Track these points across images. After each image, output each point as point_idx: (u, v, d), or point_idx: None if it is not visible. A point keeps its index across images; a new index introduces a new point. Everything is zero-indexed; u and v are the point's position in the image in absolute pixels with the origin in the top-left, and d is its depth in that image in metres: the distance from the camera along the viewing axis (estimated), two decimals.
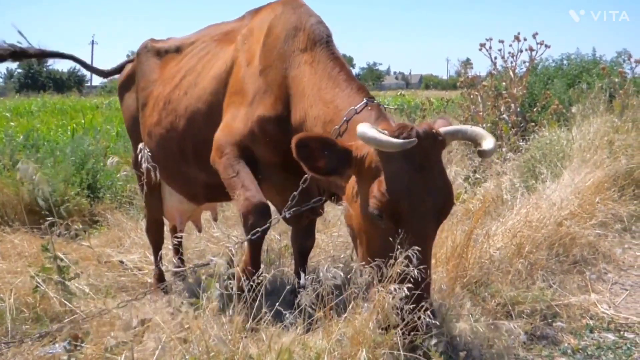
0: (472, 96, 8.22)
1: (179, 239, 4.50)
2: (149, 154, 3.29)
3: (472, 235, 3.58)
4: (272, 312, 2.59)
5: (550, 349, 3.07)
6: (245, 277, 2.96)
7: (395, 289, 2.37)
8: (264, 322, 2.55)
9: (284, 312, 2.60)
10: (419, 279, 2.35)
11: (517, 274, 3.63)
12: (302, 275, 3.20)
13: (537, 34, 8.16)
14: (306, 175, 2.93)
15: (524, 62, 8.60)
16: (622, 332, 3.29)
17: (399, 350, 2.39)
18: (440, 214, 2.59)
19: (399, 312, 2.37)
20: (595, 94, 7.32)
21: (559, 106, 8.01)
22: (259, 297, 2.57)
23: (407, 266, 2.34)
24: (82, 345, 2.74)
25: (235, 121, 3.34)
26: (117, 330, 3.01)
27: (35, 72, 74.07)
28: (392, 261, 2.40)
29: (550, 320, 3.35)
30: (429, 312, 2.37)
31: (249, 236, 3.09)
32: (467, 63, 10.65)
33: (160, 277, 4.62)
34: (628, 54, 9.94)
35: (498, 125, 7.90)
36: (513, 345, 3.00)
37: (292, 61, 3.24)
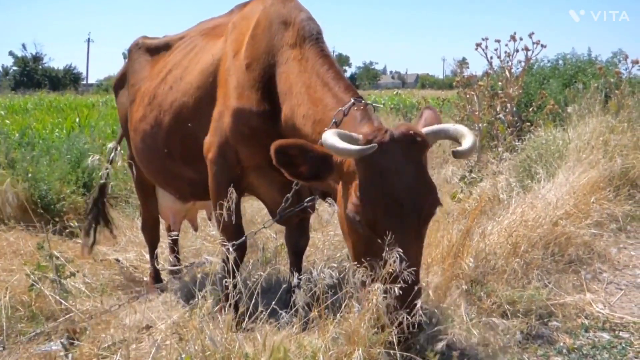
0: (468, 96, 8.23)
1: (174, 238, 4.51)
2: (134, 150, 3.26)
3: (468, 235, 3.59)
4: (268, 311, 2.59)
5: (546, 349, 3.08)
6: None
7: (386, 290, 2.37)
8: (260, 320, 2.55)
9: (280, 311, 2.60)
10: (406, 282, 2.31)
11: (512, 273, 3.64)
12: (297, 275, 3.21)
13: (533, 33, 8.17)
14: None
15: (520, 62, 8.61)
16: (617, 332, 3.30)
17: (394, 349, 2.40)
18: (422, 215, 2.53)
19: (389, 314, 2.37)
20: (591, 94, 7.34)
21: (555, 106, 8.02)
22: (254, 296, 2.56)
23: (393, 270, 2.32)
24: (79, 342, 2.73)
25: (222, 118, 3.31)
26: (113, 329, 3.02)
27: (31, 69, 73.89)
28: (377, 264, 2.39)
29: (545, 320, 3.36)
30: (420, 314, 2.34)
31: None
32: (463, 62, 10.70)
33: (156, 275, 4.62)
34: (624, 54, 9.94)
35: (494, 125, 7.91)
36: (508, 345, 3.01)
37: (280, 57, 3.19)
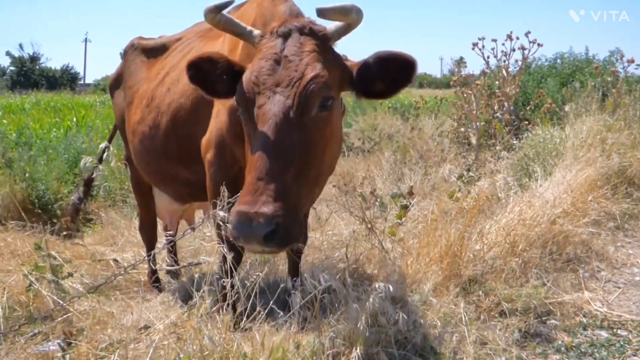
0: (465, 95, 8.23)
1: (172, 238, 4.50)
2: (132, 151, 3.23)
3: (465, 234, 3.59)
4: (266, 310, 2.59)
5: (544, 347, 3.08)
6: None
7: (380, 287, 2.37)
8: (258, 320, 2.55)
9: (278, 311, 2.60)
10: (258, 172, 2.16)
11: (511, 272, 3.65)
12: (296, 275, 3.22)
13: (529, 32, 8.18)
14: None
15: (517, 61, 8.62)
16: (615, 330, 3.31)
17: (392, 348, 2.40)
18: (294, 99, 2.30)
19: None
20: (588, 92, 7.34)
21: (552, 105, 8.03)
22: (252, 296, 2.56)
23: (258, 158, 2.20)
24: (76, 343, 2.73)
25: (218, 116, 3.30)
26: (111, 329, 3.02)
27: (28, 69, 73.71)
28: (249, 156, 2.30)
29: (544, 318, 3.36)
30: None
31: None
32: (460, 62, 10.69)
33: (153, 275, 4.62)
34: (620, 53, 9.97)
35: (492, 123, 7.91)
36: (507, 343, 3.01)
37: None
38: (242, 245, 2.15)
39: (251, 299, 2.55)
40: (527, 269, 3.80)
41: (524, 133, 7.28)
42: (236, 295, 2.54)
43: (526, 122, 8.10)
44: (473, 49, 8.48)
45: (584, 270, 4.14)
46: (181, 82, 3.71)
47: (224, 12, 3.84)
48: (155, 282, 4.55)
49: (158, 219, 4.88)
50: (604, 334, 3.25)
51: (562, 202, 4.60)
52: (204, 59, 2.61)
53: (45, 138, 9.79)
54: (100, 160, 4.92)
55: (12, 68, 75.31)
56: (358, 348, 2.40)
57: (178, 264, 4.72)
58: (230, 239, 2.16)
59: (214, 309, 2.67)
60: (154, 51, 4.44)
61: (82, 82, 77.96)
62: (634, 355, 3.00)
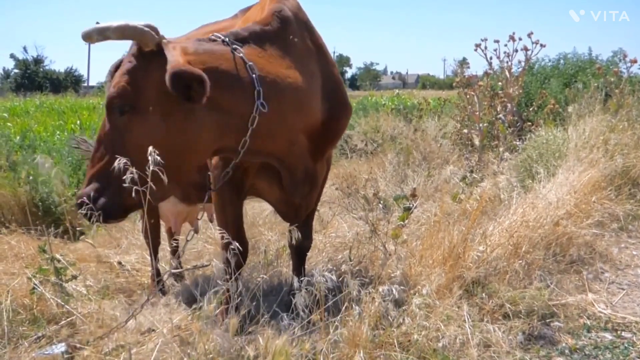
0: (468, 96, 8.23)
1: (176, 241, 4.50)
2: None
3: (469, 236, 3.59)
4: (270, 313, 2.59)
5: (548, 349, 3.08)
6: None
7: (385, 290, 2.37)
8: (261, 323, 2.55)
9: (281, 313, 2.60)
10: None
11: (514, 274, 3.64)
12: (301, 276, 3.21)
13: (532, 33, 8.17)
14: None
15: (520, 62, 8.61)
16: (619, 332, 3.30)
17: (395, 350, 2.40)
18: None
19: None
20: (591, 93, 7.34)
21: (556, 106, 8.02)
22: (256, 299, 2.57)
23: None
24: (81, 345, 2.73)
25: None
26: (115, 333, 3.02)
27: (32, 72, 73.88)
28: None
29: (547, 320, 3.36)
30: None
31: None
32: (463, 63, 10.69)
33: (157, 278, 4.61)
34: (623, 54, 9.95)
35: (494, 125, 7.91)
36: (511, 346, 3.01)
37: None
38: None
39: (254, 302, 2.56)
40: (531, 271, 3.79)
41: (527, 134, 7.28)
42: (239, 298, 2.55)
43: (529, 123, 8.10)
44: (476, 50, 8.48)
45: (587, 271, 4.13)
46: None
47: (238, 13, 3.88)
48: (158, 284, 4.55)
49: (161, 222, 4.88)
50: (608, 336, 3.24)
51: (566, 203, 4.59)
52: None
53: (49, 141, 9.82)
54: None
55: (16, 70, 75.51)
56: (361, 351, 2.40)
57: (181, 267, 4.73)
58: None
59: (217, 311, 2.68)
60: None
61: (85, 84, 78.06)
62: (638, 358, 2.99)
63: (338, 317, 2.52)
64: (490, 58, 8.54)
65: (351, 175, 7.82)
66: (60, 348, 2.97)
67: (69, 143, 5.49)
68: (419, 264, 3.58)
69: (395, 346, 2.44)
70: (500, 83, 8.62)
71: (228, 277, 2.71)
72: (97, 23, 2.61)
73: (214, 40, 2.80)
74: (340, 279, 2.50)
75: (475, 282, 3.50)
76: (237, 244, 2.80)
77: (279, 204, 3.54)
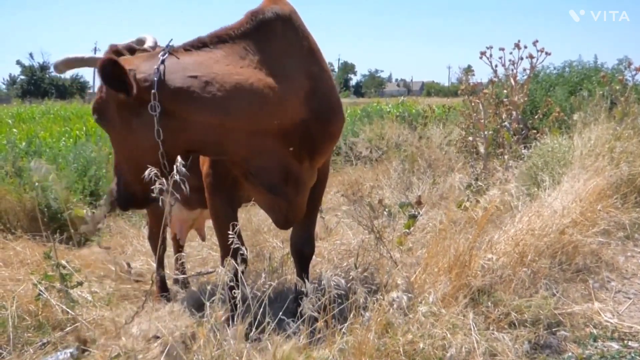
0: (473, 103, 8.21)
1: (181, 248, 4.51)
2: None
3: (475, 244, 3.58)
4: (275, 321, 2.59)
5: (554, 358, 3.06)
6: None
7: (393, 296, 2.36)
8: (267, 331, 2.55)
9: (287, 320, 2.60)
10: None
11: (520, 282, 3.62)
12: (303, 283, 3.20)
13: (537, 41, 8.16)
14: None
15: (525, 70, 8.61)
16: (625, 341, 3.28)
17: (400, 359, 2.39)
18: None
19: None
20: (597, 101, 7.32)
21: (561, 113, 8.01)
22: (262, 306, 2.56)
23: None
24: (89, 350, 2.74)
25: None
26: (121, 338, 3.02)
27: (38, 78, 74.27)
28: None
29: (553, 329, 3.34)
30: None
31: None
32: (468, 70, 10.70)
33: (162, 285, 4.62)
34: (628, 61, 9.94)
35: (500, 132, 7.90)
36: (517, 355, 2.99)
37: None
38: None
39: (261, 309, 2.55)
40: (537, 279, 3.78)
41: (532, 142, 7.26)
42: (245, 306, 2.55)
43: (534, 131, 8.08)
44: (481, 57, 8.47)
45: (593, 280, 4.11)
46: None
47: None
48: (163, 291, 4.55)
49: (167, 228, 4.89)
50: (615, 345, 3.22)
51: (571, 211, 4.57)
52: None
53: (54, 147, 9.85)
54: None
55: (22, 77, 75.92)
56: (368, 359, 2.39)
57: (186, 274, 4.73)
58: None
59: (223, 318, 2.67)
60: None
61: (91, 90, 78.40)
62: None
63: (345, 325, 2.51)
64: (496, 66, 8.53)
65: (356, 182, 7.83)
66: (64, 354, 2.97)
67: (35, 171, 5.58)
68: (424, 271, 3.57)
69: (401, 354, 2.43)
70: (505, 91, 8.60)
71: (232, 284, 2.71)
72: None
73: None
74: (348, 286, 2.50)
75: (481, 290, 3.48)
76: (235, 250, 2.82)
77: (268, 210, 3.55)
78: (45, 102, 42.39)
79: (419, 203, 5.03)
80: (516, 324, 3.27)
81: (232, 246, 2.86)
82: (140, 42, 3.30)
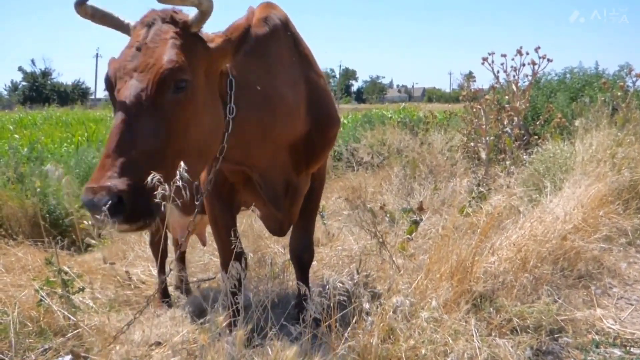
0: (474, 109, 8.23)
1: (183, 253, 4.51)
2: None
3: (477, 250, 3.57)
4: (278, 326, 2.59)
5: None
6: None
7: (398, 301, 2.36)
8: (269, 337, 2.54)
9: (289, 326, 2.60)
10: (107, 150, 2.23)
11: (522, 288, 3.62)
12: (304, 288, 3.20)
13: (539, 47, 8.19)
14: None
15: (527, 76, 8.62)
16: (628, 348, 3.27)
17: None
18: (148, 83, 2.36)
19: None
20: (598, 107, 7.32)
21: (562, 119, 8.02)
22: (263, 312, 2.56)
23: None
24: (89, 356, 2.73)
25: None
26: (119, 345, 3.02)
27: (40, 85, 74.46)
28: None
29: (555, 335, 3.33)
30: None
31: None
32: (469, 76, 10.73)
33: (164, 290, 4.62)
34: (629, 68, 9.94)
35: (501, 138, 7.91)
36: None
37: None
38: (95, 223, 2.22)
39: (263, 315, 2.55)
40: (539, 286, 3.77)
41: (534, 148, 7.27)
42: (246, 311, 2.55)
43: (536, 137, 8.08)
44: (483, 63, 8.49)
45: (595, 286, 4.10)
46: None
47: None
48: (164, 297, 4.55)
49: (169, 234, 4.89)
50: (617, 351, 3.21)
51: (573, 217, 4.57)
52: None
53: (56, 153, 9.87)
54: None
55: (24, 83, 76.13)
56: None
57: (187, 280, 4.73)
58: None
59: (225, 324, 2.67)
60: None
61: (92, 96, 78.63)
62: None
63: (348, 330, 2.51)
64: (497, 72, 8.55)
65: (357, 188, 7.83)
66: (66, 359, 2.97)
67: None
68: (426, 277, 3.57)
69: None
70: (507, 97, 8.61)
71: (233, 289, 2.71)
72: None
73: None
74: (352, 290, 2.49)
75: (483, 296, 3.48)
76: (234, 256, 2.82)
77: (264, 218, 3.55)
78: (46, 108, 42.50)
79: (420, 209, 5.04)
80: (518, 330, 3.26)
81: (232, 251, 2.87)
82: None
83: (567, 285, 3.99)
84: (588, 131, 6.79)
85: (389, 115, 18.46)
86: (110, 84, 2.44)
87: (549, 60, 8.22)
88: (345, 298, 2.42)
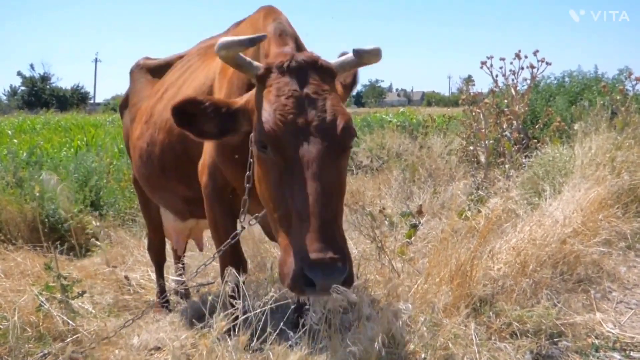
0: (474, 113, 8.23)
1: (182, 259, 4.50)
2: (134, 167, 3.22)
3: (476, 253, 3.57)
4: (277, 331, 2.58)
5: None
6: None
7: (401, 306, 2.36)
8: (269, 341, 2.54)
9: (289, 331, 2.59)
10: (320, 218, 2.14)
11: (521, 292, 3.62)
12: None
13: (537, 51, 8.19)
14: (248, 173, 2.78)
15: (526, 80, 8.63)
16: (627, 352, 3.27)
17: None
18: (333, 140, 2.32)
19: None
20: (597, 111, 7.33)
21: (562, 123, 8.02)
22: (263, 317, 2.56)
23: (298, 213, 2.17)
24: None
25: None
26: (119, 350, 3.02)
27: (39, 89, 74.41)
28: (288, 200, 2.22)
29: (555, 340, 3.33)
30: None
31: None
32: (469, 80, 10.70)
33: (163, 295, 4.61)
34: (629, 72, 9.95)
35: (500, 142, 7.91)
36: None
37: None
38: (309, 295, 2.17)
39: (262, 320, 2.55)
40: (538, 290, 3.77)
41: (533, 151, 7.27)
42: (247, 316, 2.54)
43: (535, 141, 8.09)
44: (482, 67, 8.49)
45: (595, 290, 4.10)
46: (177, 98, 3.72)
47: (230, 27, 3.87)
48: (164, 302, 4.54)
49: (167, 238, 4.89)
50: (617, 356, 3.21)
51: (572, 221, 4.56)
52: (187, 102, 2.60)
53: (55, 157, 9.87)
54: None
55: (23, 88, 76.08)
56: None
57: (187, 284, 4.72)
58: (295, 292, 2.15)
59: (224, 329, 2.67)
60: (159, 70, 4.54)
61: (92, 101, 78.64)
62: None
63: (349, 334, 2.51)
64: (496, 76, 8.55)
65: (357, 191, 7.82)
66: None
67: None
68: (425, 281, 3.56)
69: None
70: (506, 100, 8.61)
71: (233, 294, 2.71)
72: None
73: None
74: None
75: (483, 300, 3.48)
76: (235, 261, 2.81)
77: (264, 224, 3.55)
78: (44, 112, 42.50)
79: (420, 212, 5.02)
80: (518, 334, 3.26)
81: (232, 256, 2.87)
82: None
83: (566, 289, 3.99)
84: (587, 135, 6.79)
85: (389, 119, 18.47)
86: (271, 138, 2.31)
87: (547, 63, 8.23)
88: (345, 303, 2.41)
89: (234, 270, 2.67)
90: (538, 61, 8.22)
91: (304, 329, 2.47)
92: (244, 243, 5.11)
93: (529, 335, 3.27)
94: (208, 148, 3.30)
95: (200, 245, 5.07)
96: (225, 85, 3.24)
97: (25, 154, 9.21)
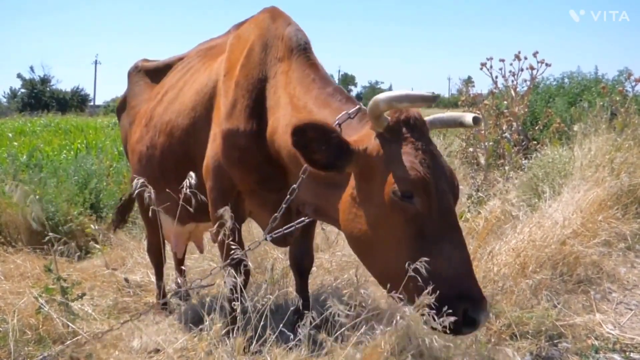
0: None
1: (182, 263, 4.49)
2: (133, 171, 3.23)
3: (476, 255, 3.57)
4: (276, 333, 2.58)
5: None
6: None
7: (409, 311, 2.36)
8: (268, 343, 2.54)
9: (288, 333, 2.59)
10: (462, 271, 2.31)
11: (521, 294, 3.62)
12: (305, 297, 3.19)
13: (537, 52, 8.20)
14: (289, 196, 2.82)
15: (525, 81, 8.64)
16: (627, 353, 3.27)
17: None
18: (455, 193, 2.48)
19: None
20: (597, 112, 7.33)
21: (561, 124, 8.03)
22: (262, 319, 2.56)
23: (448, 259, 2.28)
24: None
25: (215, 140, 3.27)
26: (119, 352, 3.01)
27: (39, 92, 74.35)
28: (432, 247, 2.28)
29: (555, 341, 3.33)
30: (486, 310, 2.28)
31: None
32: (468, 82, 10.73)
33: (162, 297, 4.61)
34: (628, 73, 9.97)
35: (500, 143, 7.92)
36: None
37: (269, 71, 3.15)
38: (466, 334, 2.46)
39: (261, 322, 2.55)
40: (538, 291, 3.77)
41: (532, 153, 7.27)
42: (246, 318, 2.54)
43: (535, 142, 8.09)
44: (481, 69, 8.51)
45: (595, 291, 4.10)
46: (178, 101, 3.72)
47: (231, 29, 3.88)
48: (163, 304, 4.54)
49: (166, 241, 4.88)
50: (617, 357, 3.21)
51: (572, 222, 4.57)
52: (313, 126, 2.48)
53: (55, 160, 9.86)
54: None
55: (23, 90, 75.98)
56: None
57: (187, 286, 4.71)
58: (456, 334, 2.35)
59: (224, 331, 2.67)
60: (157, 72, 4.51)
61: (92, 103, 78.60)
62: None
63: (353, 339, 2.50)
64: (496, 77, 8.56)
65: None
66: None
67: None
68: None
69: None
70: (505, 102, 8.62)
71: (233, 296, 2.71)
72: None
73: None
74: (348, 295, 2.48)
75: None
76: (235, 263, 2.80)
77: (263, 225, 3.54)
78: (44, 114, 42.48)
79: None
80: (518, 335, 3.26)
81: (235, 258, 2.86)
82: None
83: (566, 290, 3.99)
84: (587, 136, 6.80)
85: None
86: (418, 186, 2.32)
87: (547, 64, 8.24)
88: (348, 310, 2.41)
89: (233, 271, 2.66)
90: (538, 62, 8.24)
91: (302, 334, 2.46)
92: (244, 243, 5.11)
93: (529, 336, 3.28)
94: (212, 151, 3.30)
95: (201, 248, 5.06)
96: (232, 88, 3.23)
97: (24, 157, 9.21)
